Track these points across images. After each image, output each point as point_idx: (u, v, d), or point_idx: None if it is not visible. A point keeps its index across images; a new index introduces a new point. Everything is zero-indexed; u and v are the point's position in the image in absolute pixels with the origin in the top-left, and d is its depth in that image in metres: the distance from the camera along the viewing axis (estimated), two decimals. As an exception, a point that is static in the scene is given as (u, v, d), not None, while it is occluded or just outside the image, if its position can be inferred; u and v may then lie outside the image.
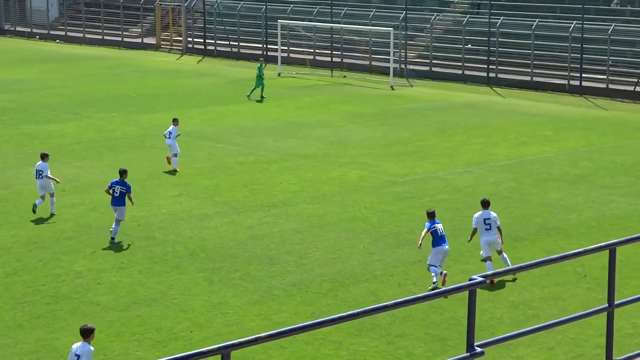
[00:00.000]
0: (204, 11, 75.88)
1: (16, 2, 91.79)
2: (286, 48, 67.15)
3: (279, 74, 62.90)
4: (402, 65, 62.23)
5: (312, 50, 68.06)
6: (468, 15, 64.08)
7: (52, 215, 31.38)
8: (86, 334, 18.06)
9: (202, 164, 38.44)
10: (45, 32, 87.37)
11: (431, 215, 24.92)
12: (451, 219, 30.29)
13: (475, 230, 25.28)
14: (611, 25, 56.52)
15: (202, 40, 75.58)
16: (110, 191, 28.88)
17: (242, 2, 75.63)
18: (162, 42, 79.01)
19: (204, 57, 73.83)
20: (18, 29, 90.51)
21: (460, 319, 21.97)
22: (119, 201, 28.77)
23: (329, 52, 66.75)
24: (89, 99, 53.97)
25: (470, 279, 10.08)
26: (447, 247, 24.70)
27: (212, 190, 34.49)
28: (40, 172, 31.35)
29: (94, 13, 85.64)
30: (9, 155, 40.19)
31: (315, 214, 31.43)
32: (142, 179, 35.95)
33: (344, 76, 62.50)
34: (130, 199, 28.99)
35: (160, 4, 79.71)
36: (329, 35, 67.13)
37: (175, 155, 37.85)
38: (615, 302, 10.92)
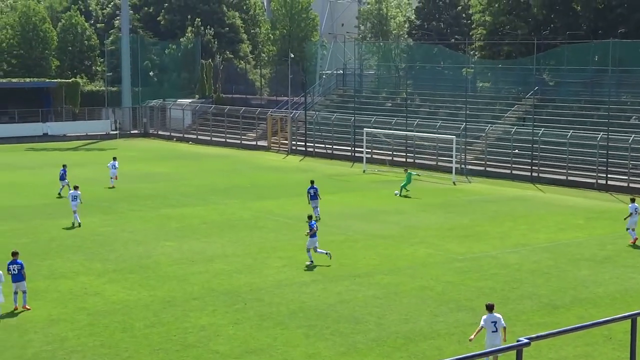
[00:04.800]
0: (306, 121, 76.60)
1: (159, 112, 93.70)
2: (370, 150, 67.36)
3: (364, 171, 63.02)
4: (463, 165, 61.99)
5: (390, 152, 68.18)
6: (515, 127, 63.88)
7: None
8: (491, 308, 21.86)
9: (302, 241, 38.34)
10: (181, 135, 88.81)
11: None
12: (501, 289, 29.96)
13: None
14: (631, 136, 55.89)
15: (303, 143, 76.21)
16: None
17: (335, 114, 76.29)
18: (272, 144, 79.78)
19: (305, 156, 74.33)
20: (160, 132, 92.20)
21: (509, 371, 21.52)
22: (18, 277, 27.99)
23: (404, 154, 66.79)
24: (214, 188, 54.54)
25: (518, 341, 10.00)
26: None
27: (309, 262, 34.48)
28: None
29: (219, 121, 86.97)
30: (151, 231, 40.66)
31: (392, 283, 31.21)
32: (254, 252, 36.15)
33: (417, 174, 62.31)
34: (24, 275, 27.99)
35: (272, 115, 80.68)
36: (404, 141, 67.23)
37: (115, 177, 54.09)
38: (637, 362, 10.66)
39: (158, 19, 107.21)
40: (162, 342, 24.62)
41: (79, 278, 31.90)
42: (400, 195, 51.37)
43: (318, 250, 34.26)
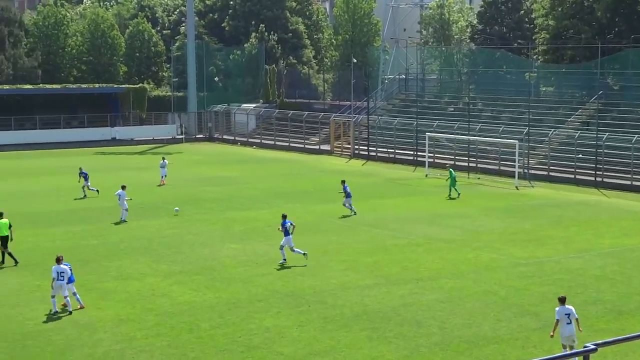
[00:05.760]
0: (368, 125, 76.57)
1: (224, 117, 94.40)
2: (432, 155, 67.09)
3: (426, 175, 62.76)
4: (525, 170, 61.43)
5: (452, 157, 67.82)
6: (579, 131, 63.09)
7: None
8: (563, 300, 22.78)
9: (364, 245, 38.46)
10: (245, 139, 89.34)
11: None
12: (565, 294, 29.56)
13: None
14: (698, 140, 54.92)
15: (366, 147, 76.17)
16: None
17: (397, 119, 76.15)
18: (334, 149, 79.88)
19: (367, 160, 74.25)
20: (224, 137, 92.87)
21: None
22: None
23: (466, 158, 66.39)
24: (277, 192, 54.75)
25: (585, 347, 9.94)
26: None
27: (372, 265, 34.42)
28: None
29: (282, 125, 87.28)
30: (216, 234, 40.98)
31: (455, 287, 31.04)
32: (317, 255, 36.17)
33: (478, 178, 61.94)
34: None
35: (334, 119, 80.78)
36: (467, 145, 66.83)
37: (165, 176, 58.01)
38: None
39: (223, 25, 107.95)
40: (227, 343, 24.79)
41: (146, 279, 32.28)
42: (450, 197, 51.47)
43: (295, 249, 34.83)
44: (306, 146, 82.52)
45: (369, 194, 53.94)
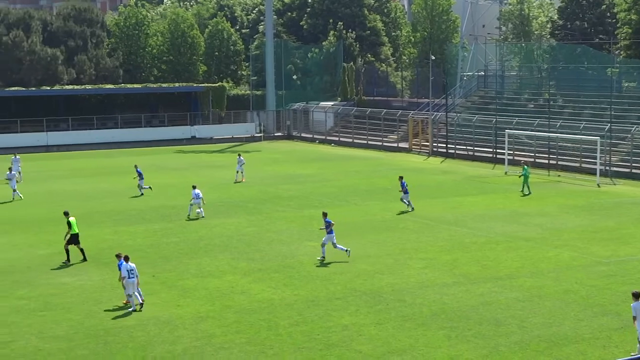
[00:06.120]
0: (447, 122, 76.07)
1: (302, 115, 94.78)
2: (512, 152, 66.29)
3: (505, 173, 62.09)
4: (607, 167, 60.36)
5: (532, 154, 66.96)
6: (663, 127, 61.85)
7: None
8: (638, 296, 22.21)
9: (444, 243, 38.23)
10: (323, 137, 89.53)
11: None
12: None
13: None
14: None
15: (444, 145, 75.69)
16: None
17: (476, 116, 75.52)
18: (413, 146, 79.54)
19: (446, 158, 73.77)
20: (303, 135, 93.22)
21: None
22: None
23: (547, 155, 65.48)
24: (356, 189, 54.78)
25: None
26: None
27: (451, 264, 34.21)
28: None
29: (360, 123, 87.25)
30: (294, 232, 41.16)
31: (534, 286, 30.68)
32: (395, 253, 36.12)
33: (559, 175, 61.06)
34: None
35: (413, 117, 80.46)
36: (547, 142, 65.93)
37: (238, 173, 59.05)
38: None
39: (301, 23, 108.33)
40: (306, 340, 24.88)
41: (225, 277, 32.59)
42: (527, 194, 51.33)
43: (337, 246, 34.92)
44: (384, 144, 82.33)
45: (448, 192, 53.61)
